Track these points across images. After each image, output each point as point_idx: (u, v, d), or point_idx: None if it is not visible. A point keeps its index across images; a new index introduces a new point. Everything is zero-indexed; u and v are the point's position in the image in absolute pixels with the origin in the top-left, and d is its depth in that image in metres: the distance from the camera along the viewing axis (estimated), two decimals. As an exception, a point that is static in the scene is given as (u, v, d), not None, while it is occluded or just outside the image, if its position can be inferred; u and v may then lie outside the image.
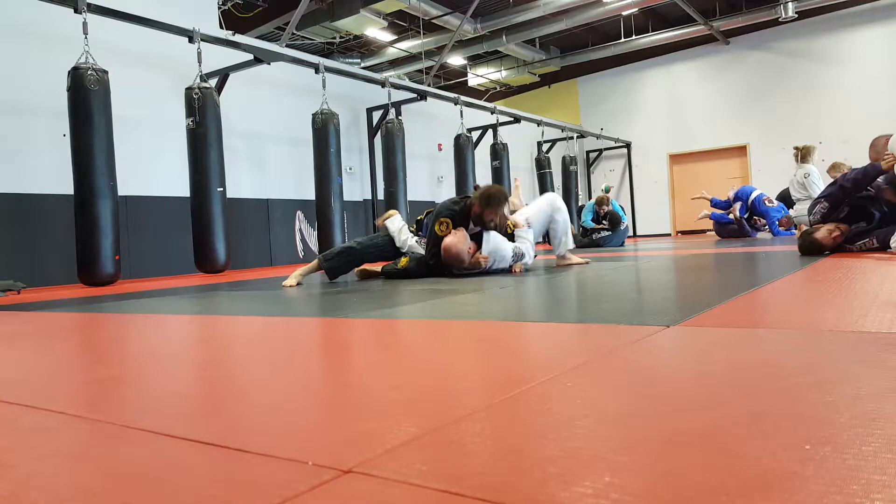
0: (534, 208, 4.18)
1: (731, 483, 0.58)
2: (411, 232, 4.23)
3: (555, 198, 4.24)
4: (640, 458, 0.66)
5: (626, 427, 0.77)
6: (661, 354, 1.26)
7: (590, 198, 13.58)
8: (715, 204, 9.02)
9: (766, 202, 8.51)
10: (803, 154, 6.89)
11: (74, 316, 2.67)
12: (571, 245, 4.26)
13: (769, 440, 0.69)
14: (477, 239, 3.83)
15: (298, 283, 3.79)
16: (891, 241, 3.63)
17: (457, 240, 3.67)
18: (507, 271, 3.84)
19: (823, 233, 3.90)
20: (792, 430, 0.72)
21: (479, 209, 3.77)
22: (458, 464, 0.67)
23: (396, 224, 4.23)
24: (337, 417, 0.91)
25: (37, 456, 0.79)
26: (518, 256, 3.84)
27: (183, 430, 0.86)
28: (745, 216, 8.68)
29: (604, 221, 8.41)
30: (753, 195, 8.65)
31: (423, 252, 3.97)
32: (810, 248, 3.93)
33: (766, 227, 8.52)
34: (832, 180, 6.35)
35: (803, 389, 0.90)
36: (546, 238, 4.46)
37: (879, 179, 3.92)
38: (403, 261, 3.89)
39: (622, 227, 8.29)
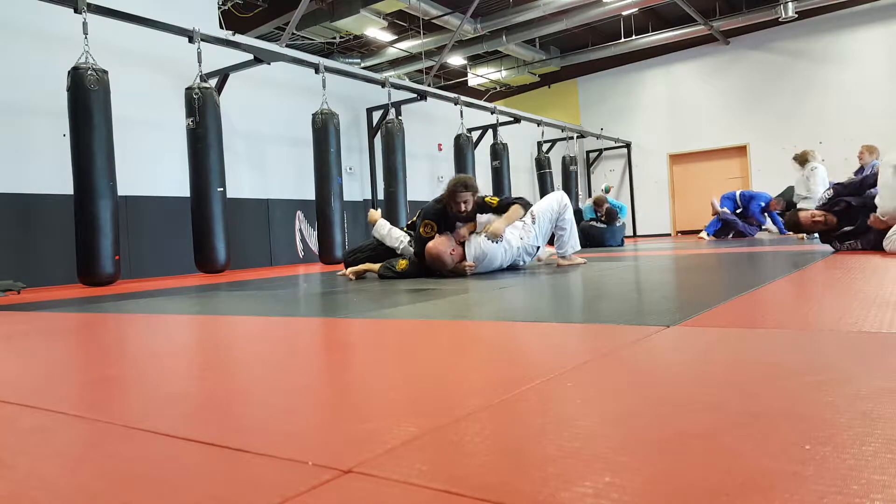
0: (542, 205, 4.14)
1: (730, 483, 0.58)
2: (403, 231, 4.24)
3: (562, 195, 4.20)
4: (640, 458, 0.66)
5: (626, 427, 0.77)
6: (661, 354, 1.26)
7: (590, 198, 13.60)
8: (712, 225, 9.13)
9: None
10: (802, 159, 6.92)
11: (74, 316, 2.67)
12: (578, 246, 4.23)
13: (769, 440, 0.69)
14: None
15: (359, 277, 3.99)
16: (884, 243, 3.65)
17: (439, 242, 3.68)
18: (505, 270, 3.84)
19: (806, 214, 4.16)
20: (792, 430, 0.72)
21: (448, 201, 3.79)
22: (458, 464, 0.67)
23: (383, 230, 4.23)
24: (337, 417, 0.91)
25: (37, 456, 0.79)
26: (516, 252, 3.83)
27: (183, 430, 0.86)
28: (738, 211, 8.82)
29: (601, 218, 8.44)
30: (738, 193, 8.93)
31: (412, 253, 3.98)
32: (789, 223, 4.33)
33: (759, 224, 8.71)
34: (860, 167, 6.44)
35: (803, 389, 0.90)
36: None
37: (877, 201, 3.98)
38: (402, 263, 3.88)
39: (618, 224, 8.31)
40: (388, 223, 4.33)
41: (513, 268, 4.01)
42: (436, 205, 3.89)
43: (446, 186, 3.87)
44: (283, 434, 0.82)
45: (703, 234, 9.08)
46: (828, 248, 4.33)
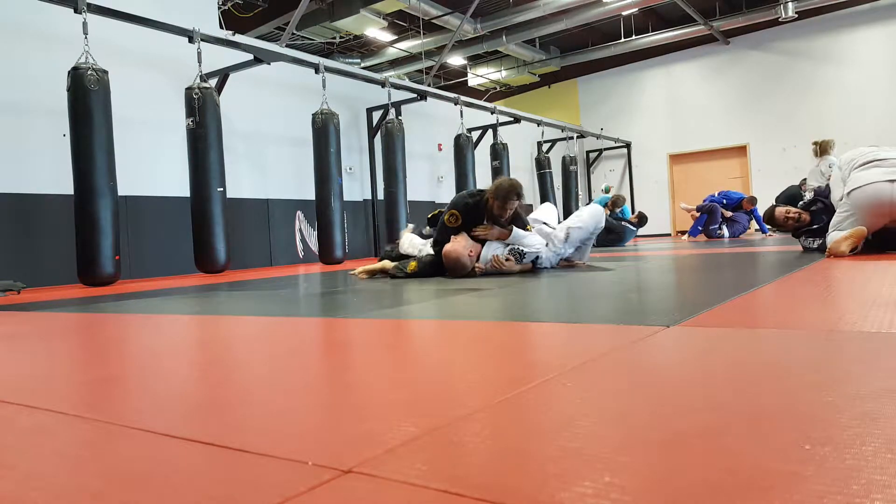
0: (578, 223, 4.05)
1: (730, 483, 0.58)
2: (422, 234, 4.24)
3: (601, 216, 4.14)
4: (640, 458, 0.66)
5: (626, 427, 0.77)
6: (661, 354, 1.25)
7: (589, 198, 13.62)
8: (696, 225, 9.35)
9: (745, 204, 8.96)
10: (822, 148, 6.96)
11: (74, 316, 2.67)
12: (587, 259, 4.21)
13: (769, 440, 0.69)
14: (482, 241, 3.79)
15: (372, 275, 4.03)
16: (828, 240, 3.76)
17: (458, 245, 3.63)
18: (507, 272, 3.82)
19: (782, 210, 4.37)
20: (792, 430, 0.72)
21: (492, 202, 3.70)
22: (458, 464, 0.67)
23: (405, 245, 4.23)
24: (337, 417, 0.91)
25: (37, 456, 0.79)
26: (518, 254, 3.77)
27: (183, 430, 0.86)
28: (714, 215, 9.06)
29: (632, 220, 8.50)
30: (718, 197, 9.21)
31: (431, 252, 3.95)
32: (766, 216, 4.56)
33: (722, 231, 8.91)
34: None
35: (803, 389, 0.90)
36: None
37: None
38: (412, 265, 3.86)
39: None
40: (409, 236, 4.33)
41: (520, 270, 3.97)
42: (469, 198, 3.81)
43: (494, 185, 3.75)
44: (283, 434, 0.82)
45: (685, 237, 9.39)
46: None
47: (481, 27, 10.73)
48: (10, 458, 0.79)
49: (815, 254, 3.95)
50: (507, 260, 3.69)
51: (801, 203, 4.40)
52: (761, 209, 9.06)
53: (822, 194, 4.29)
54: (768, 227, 5.02)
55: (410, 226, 4.87)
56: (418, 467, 0.66)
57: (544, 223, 4.11)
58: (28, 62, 5.29)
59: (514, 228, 3.76)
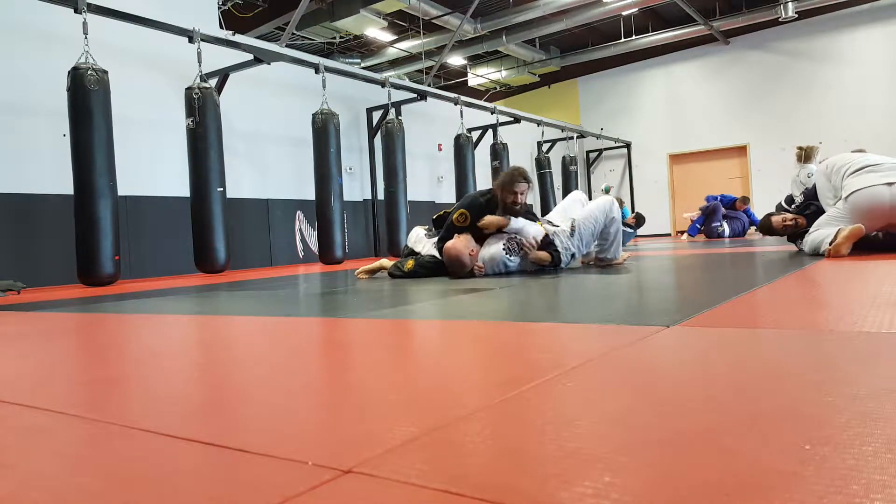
0: (585, 214, 3.84)
1: (730, 483, 0.58)
2: (426, 232, 4.23)
3: (611, 205, 3.82)
4: (640, 458, 0.66)
5: (626, 427, 0.77)
6: (661, 354, 1.25)
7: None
8: (697, 224, 9.47)
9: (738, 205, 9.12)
10: (806, 154, 6.97)
11: (74, 316, 2.67)
12: (619, 255, 3.91)
13: (769, 440, 0.69)
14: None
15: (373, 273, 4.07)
16: (807, 239, 3.82)
17: (458, 243, 3.59)
18: (509, 272, 3.77)
19: (777, 218, 4.38)
20: (792, 430, 0.72)
21: (499, 192, 3.68)
22: (458, 464, 0.67)
23: (413, 239, 4.24)
24: (337, 417, 0.91)
25: (37, 456, 0.79)
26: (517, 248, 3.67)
27: (183, 430, 0.86)
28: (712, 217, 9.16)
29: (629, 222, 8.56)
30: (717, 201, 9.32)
31: (434, 253, 3.93)
32: (763, 227, 4.54)
33: (721, 230, 8.99)
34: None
35: (803, 389, 0.90)
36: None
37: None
38: (409, 263, 3.85)
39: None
40: (417, 230, 4.33)
41: (523, 269, 3.85)
42: (480, 198, 3.77)
43: (500, 176, 3.71)
44: (283, 434, 0.82)
45: (684, 237, 9.49)
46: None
47: (481, 27, 10.73)
48: (10, 458, 0.79)
49: (816, 255, 3.95)
50: (532, 247, 3.63)
51: (794, 207, 4.42)
52: (760, 210, 9.12)
53: (813, 196, 4.31)
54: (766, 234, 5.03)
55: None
56: (418, 467, 0.66)
57: (549, 222, 3.98)
58: (28, 62, 5.29)
59: (513, 218, 3.67)
